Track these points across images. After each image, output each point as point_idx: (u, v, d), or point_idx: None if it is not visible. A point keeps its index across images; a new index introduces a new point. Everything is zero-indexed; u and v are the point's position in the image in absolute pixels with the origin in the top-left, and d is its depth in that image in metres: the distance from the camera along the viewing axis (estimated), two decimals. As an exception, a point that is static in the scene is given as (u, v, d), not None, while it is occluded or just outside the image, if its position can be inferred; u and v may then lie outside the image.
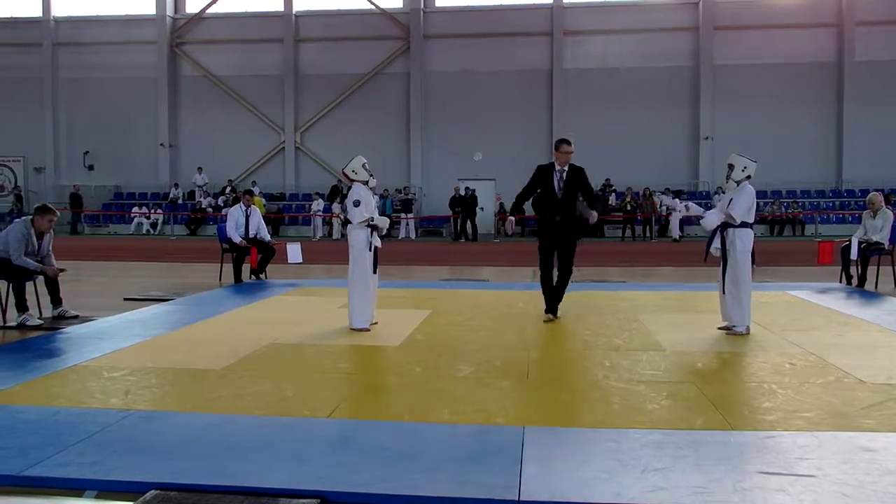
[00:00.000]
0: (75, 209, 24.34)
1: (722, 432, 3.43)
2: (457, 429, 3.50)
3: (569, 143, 6.59)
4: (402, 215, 22.34)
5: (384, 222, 6.30)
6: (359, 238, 6.09)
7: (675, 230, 21.09)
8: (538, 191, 6.70)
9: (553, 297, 6.70)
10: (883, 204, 9.17)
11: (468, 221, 21.08)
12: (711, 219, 5.92)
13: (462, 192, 21.57)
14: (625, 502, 2.66)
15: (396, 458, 3.10)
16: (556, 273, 6.73)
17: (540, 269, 6.72)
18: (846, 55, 23.20)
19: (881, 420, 3.60)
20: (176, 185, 25.46)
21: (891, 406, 3.83)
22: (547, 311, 6.70)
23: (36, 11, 26.57)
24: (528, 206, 7.45)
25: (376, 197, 6.44)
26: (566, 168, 6.56)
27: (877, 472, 2.91)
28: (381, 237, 6.36)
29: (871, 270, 8.90)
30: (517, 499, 2.69)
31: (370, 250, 6.13)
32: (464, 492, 2.75)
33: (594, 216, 6.64)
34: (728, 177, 5.97)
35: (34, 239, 6.60)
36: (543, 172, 6.66)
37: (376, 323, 6.22)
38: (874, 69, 22.92)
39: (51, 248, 6.83)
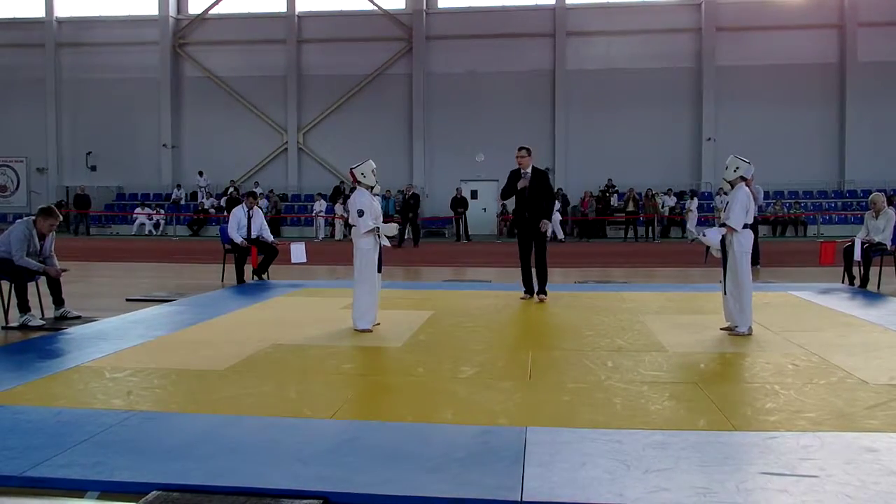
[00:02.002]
0: (81, 210, 24.29)
1: (724, 433, 3.42)
2: (459, 429, 3.50)
3: (521, 149, 7.86)
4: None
5: (390, 230, 6.20)
6: (365, 240, 6.09)
7: (557, 231, 21.30)
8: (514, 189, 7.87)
9: (531, 282, 7.89)
10: (885, 204, 9.14)
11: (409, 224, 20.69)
12: (714, 236, 5.90)
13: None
14: (627, 503, 2.65)
15: (399, 458, 3.10)
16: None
17: (519, 256, 7.97)
18: (849, 56, 23.17)
19: (884, 420, 3.59)
20: (179, 186, 25.50)
21: (894, 406, 3.82)
22: (525, 293, 7.92)
23: (38, 12, 26.63)
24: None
25: (378, 197, 6.41)
26: (529, 171, 7.78)
27: (879, 472, 2.90)
28: (389, 238, 6.33)
29: (874, 271, 8.88)
30: (520, 499, 2.69)
31: (376, 251, 6.12)
32: (466, 492, 2.75)
33: (545, 224, 7.80)
34: (724, 177, 6.05)
35: (36, 240, 6.61)
36: (515, 175, 7.86)
37: (379, 324, 6.22)
38: (877, 70, 22.88)
39: (53, 248, 6.84)
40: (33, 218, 6.69)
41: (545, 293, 7.83)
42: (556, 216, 21.11)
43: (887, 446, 3.20)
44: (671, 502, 2.65)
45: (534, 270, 7.91)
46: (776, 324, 6.24)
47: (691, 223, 20.94)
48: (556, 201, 20.72)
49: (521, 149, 7.85)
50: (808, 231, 22.38)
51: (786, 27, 23.24)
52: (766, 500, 2.67)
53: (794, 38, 23.25)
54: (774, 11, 23.42)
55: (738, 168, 5.91)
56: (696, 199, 21.40)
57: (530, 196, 7.72)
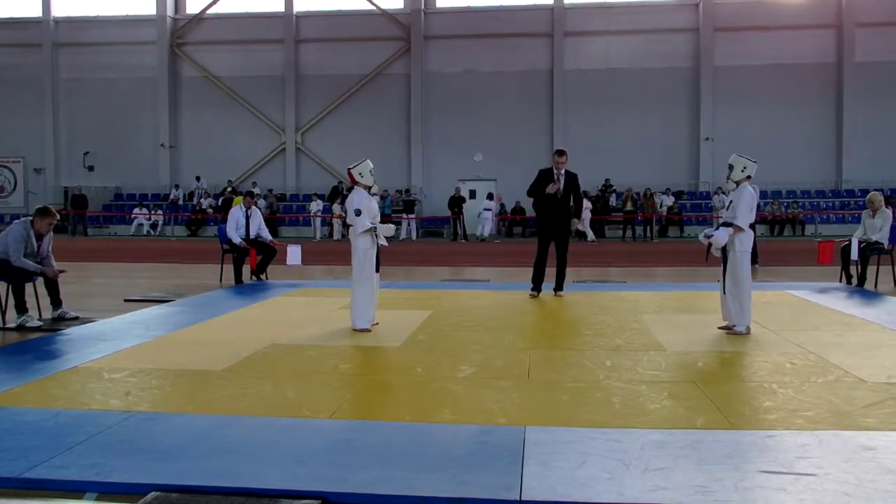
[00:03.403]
0: (79, 210, 24.18)
1: (723, 432, 3.43)
2: (458, 429, 3.50)
3: (561, 153, 8.14)
4: (403, 216, 22.37)
5: (387, 231, 6.21)
6: (363, 240, 6.09)
7: (485, 229, 21.67)
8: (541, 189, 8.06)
9: (541, 281, 8.13)
10: (882, 204, 9.16)
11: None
12: (722, 236, 5.87)
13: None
14: (626, 502, 2.66)
15: (398, 458, 3.10)
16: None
17: (537, 254, 8.19)
18: (846, 56, 23.22)
19: (881, 419, 3.60)
20: (177, 187, 25.47)
21: (891, 405, 3.83)
22: (533, 290, 8.13)
23: (36, 11, 26.59)
24: (528, 208, 8.25)
25: (376, 197, 6.41)
26: (562, 172, 8.05)
27: (877, 470, 2.91)
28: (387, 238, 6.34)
29: (871, 270, 8.90)
30: (518, 499, 2.69)
31: (374, 250, 6.12)
32: (465, 492, 2.75)
33: (575, 222, 8.28)
34: (728, 177, 6.00)
35: (33, 240, 6.59)
36: (546, 175, 8.12)
37: (377, 323, 6.22)
38: (874, 70, 22.93)
39: (51, 249, 6.83)
40: (30, 218, 6.67)
41: (562, 289, 8.21)
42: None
43: (884, 444, 3.20)
44: (670, 501, 2.65)
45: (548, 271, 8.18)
46: (774, 323, 6.24)
47: (585, 226, 20.99)
48: (587, 201, 20.58)
49: (561, 153, 8.11)
50: (805, 230, 22.42)
51: (783, 27, 23.27)
52: (765, 498, 2.67)
53: (791, 38, 23.28)
54: (772, 11, 23.45)
55: (745, 168, 5.89)
56: (588, 202, 21.25)
57: (563, 197, 8.02)
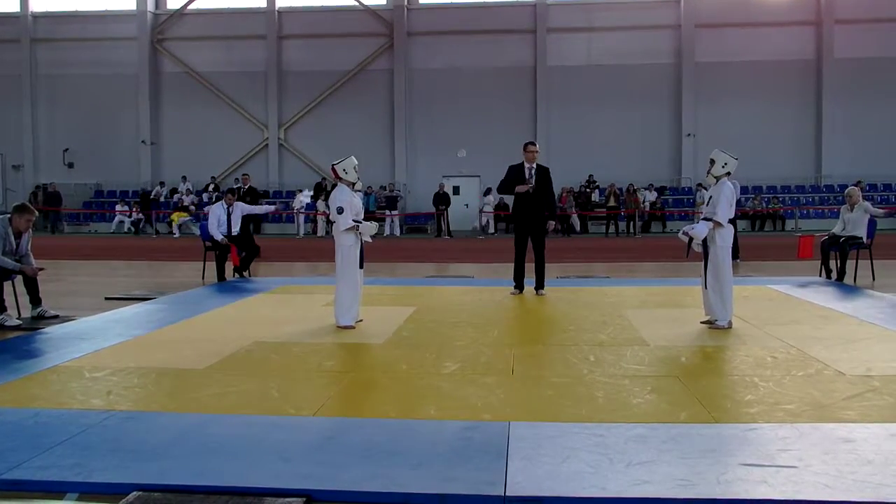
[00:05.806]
0: (50, 207, 23.72)
1: (705, 425, 3.46)
2: (443, 425, 3.50)
3: (534, 143, 7.97)
4: (387, 212, 22.32)
5: (371, 229, 6.16)
6: (346, 237, 6.06)
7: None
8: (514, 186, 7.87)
9: (523, 278, 7.98)
10: (860, 198, 9.29)
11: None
12: (702, 229, 5.92)
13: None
14: (610, 496, 2.67)
15: (382, 455, 3.10)
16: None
17: (515, 252, 7.99)
18: (825, 53, 23.51)
19: (860, 411, 3.65)
20: (162, 184, 25.17)
21: (869, 397, 3.89)
22: (515, 288, 7.99)
23: (13, 7, 26.11)
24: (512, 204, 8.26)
25: (360, 193, 6.38)
26: (534, 166, 7.80)
27: (856, 462, 2.95)
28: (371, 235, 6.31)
29: (850, 264, 9.03)
30: (503, 494, 2.69)
31: (357, 247, 6.10)
32: (450, 488, 2.76)
33: (551, 224, 8.05)
34: (708, 172, 6.06)
35: (12, 238, 6.49)
36: (517, 170, 7.85)
37: (362, 320, 6.20)
38: (852, 66, 23.23)
39: (30, 247, 6.73)
40: (8, 216, 6.56)
41: (543, 288, 7.93)
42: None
43: (863, 436, 3.25)
44: (653, 494, 2.67)
45: (528, 266, 8.02)
46: (755, 317, 6.31)
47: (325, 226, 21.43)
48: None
49: (533, 143, 7.93)
50: (786, 225, 22.71)
51: (764, 24, 23.51)
52: (746, 490, 2.70)
53: (771, 34, 23.53)
54: (753, 8, 23.67)
55: (726, 164, 5.94)
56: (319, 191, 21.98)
57: (536, 191, 7.76)
